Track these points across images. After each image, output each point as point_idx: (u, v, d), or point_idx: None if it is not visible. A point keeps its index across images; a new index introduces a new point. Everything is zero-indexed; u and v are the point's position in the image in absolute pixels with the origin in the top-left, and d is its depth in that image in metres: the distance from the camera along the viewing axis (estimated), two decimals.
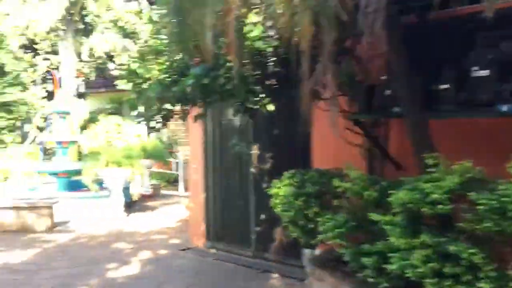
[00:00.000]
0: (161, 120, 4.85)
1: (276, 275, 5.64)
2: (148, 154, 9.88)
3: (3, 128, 13.46)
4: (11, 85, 13.34)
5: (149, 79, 4.57)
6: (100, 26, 16.15)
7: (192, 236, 7.22)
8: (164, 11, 3.99)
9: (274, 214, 6.18)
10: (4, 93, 12.94)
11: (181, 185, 13.10)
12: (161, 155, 10.20)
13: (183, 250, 6.93)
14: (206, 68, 4.04)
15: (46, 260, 6.46)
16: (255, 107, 4.35)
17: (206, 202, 6.95)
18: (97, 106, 17.60)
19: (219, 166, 6.79)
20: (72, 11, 15.24)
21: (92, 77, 16.86)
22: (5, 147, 13.53)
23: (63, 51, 15.69)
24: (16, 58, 14.31)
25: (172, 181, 14.19)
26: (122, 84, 14.00)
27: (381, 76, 3.47)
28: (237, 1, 2.99)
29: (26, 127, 15.33)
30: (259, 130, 6.23)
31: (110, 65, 19.56)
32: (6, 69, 13.18)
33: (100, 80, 17.70)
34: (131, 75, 4.63)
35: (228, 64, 3.95)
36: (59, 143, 10.25)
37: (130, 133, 16.70)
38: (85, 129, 15.31)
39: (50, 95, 16.42)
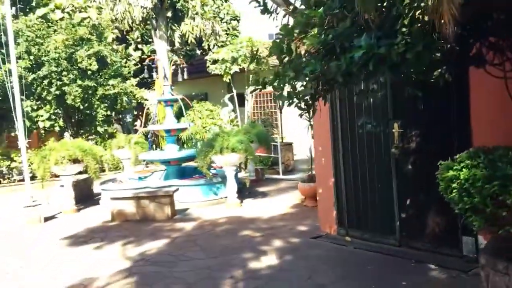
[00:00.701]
0: (310, 101, 4.40)
1: (433, 266, 5.08)
2: (254, 138, 9.56)
3: (107, 119, 13.85)
4: (112, 77, 13.63)
5: (299, 55, 4.12)
6: (190, 11, 16.08)
7: (322, 222, 6.82)
8: None
9: (421, 198, 5.70)
10: (107, 84, 13.23)
11: (280, 168, 12.82)
12: (266, 139, 9.85)
13: (315, 238, 6.54)
14: (376, 36, 3.52)
15: (180, 251, 6.34)
16: (430, 79, 3.77)
17: (337, 186, 6.50)
18: (190, 93, 17.78)
19: (351, 147, 6.29)
20: None
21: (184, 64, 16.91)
22: (111, 138, 13.95)
23: (156, 40, 15.82)
24: (112, 50, 14.61)
25: (270, 165, 13.94)
26: (215, 70, 13.83)
27: None
28: None
29: (128, 117, 15.78)
30: (400, 106, 5.64)
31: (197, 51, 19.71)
32: (108, 60, 13.43)
33: (189, 67, 17.76)
34: (280, 51, 4.20)
35: (404, 29, 3.42)
36: (168, 131, 10.24)
37: (223, 118, 16.74)
38: (181, 116, 15.49)
39: (146, 84, 16.74)
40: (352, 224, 6.37)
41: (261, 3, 4.49)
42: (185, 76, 10.62)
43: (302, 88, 4.35)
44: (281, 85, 4.46)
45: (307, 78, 4.04)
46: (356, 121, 6.20)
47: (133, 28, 16.70)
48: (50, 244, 7.24)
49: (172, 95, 10.40)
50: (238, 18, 21.74)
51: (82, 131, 14.29)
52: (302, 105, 4.52)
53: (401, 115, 5.65)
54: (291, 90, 4.40)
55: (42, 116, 13.26)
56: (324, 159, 6.67)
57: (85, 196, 10.58)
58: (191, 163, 11.16)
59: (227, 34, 20.02)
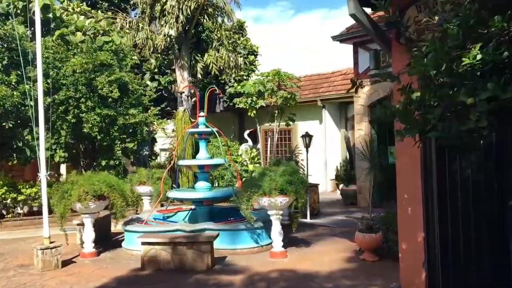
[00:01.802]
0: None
1: None
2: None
3: (125, 151, 12.78)
4: (132, 105, 12.67)
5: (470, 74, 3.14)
6: (215, 42, 15.32)
7: (405, 284, 5.74)
8: None
9: None
10: (128, 114, 12.25)
11: (308, 211, 11.78)
12: (303, 181, 8.78)
13: None
14: None
15: None
16: None
17: (428, 242, 5.47)
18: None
19: (449, 195, 5.29)
20: (187, 27, 14.53)
21: (221, 94, 15.93)
22: (130, 172, 12.88)
23: (178, 69, 14.99)
24: (133, 77, 13.71)
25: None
26: (239, 104, 12.90)
27: None
28: None
29: (145, 150, 14.73)
30: None
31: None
32: (130, 87, 12.49)
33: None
34: (421, 66, 3.25)
35: None
36: (201, 167, 9.21)
37: (243, 154, 15.75)
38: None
39: (164, 115, 15.78)
40: None
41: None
42: (221, 107, 9.66)
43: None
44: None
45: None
46: (458, 161, 5.22)
47: (153, 56, 15.93)
48: None
49: (207, 127, 9.42)
50: (255, 53, 21.14)
51: (95, 164, 13.18)
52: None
53: None
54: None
55: (53, 146, 12.20)
56: (410, 209, 5.66)
57: (102, 236, 9.40)
58: (221, 204, 10.14)
59: (245, 68, 19.35)
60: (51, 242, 7.70)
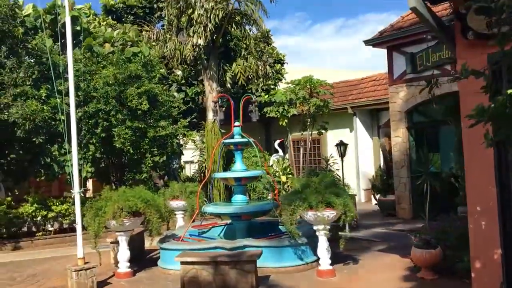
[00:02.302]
0: None
1: None
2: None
3: (155, 165, 12.44)
4: (162, 117, 12.33)
5: None
6: (243, 51, 14.93)
7: None
8: None
9: None
10: (158, 126, 11.90)
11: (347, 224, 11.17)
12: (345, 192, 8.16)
13: None
14: None
15: None
16: None
17: (508, 261, 4.86)
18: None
19: None
20: (215, 36, 14.18)
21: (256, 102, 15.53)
22: (160, 186, 12.51)
23: (206, 80, 14.63)
24: (162, 88, 13.41)
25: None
26: (270, 113, 12.42)
27: None
28: None
29: (175, 163, 14.38)
30: None
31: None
32: (160, 99, 12.17)
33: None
34: None
35: None
36: (238, 179, 8.73)
37: (274, 165, 15.23)
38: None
39: (193, 127, 15.41)
40: None
41: None
42: (257, 117, 9.20)
43: None
44: None
45: None
46: None
47: (179, 68, 15.62)
48: None
49: (243, 137, 8.96)
50: (282, 61, 20.71)
51: (125, 178, 12.87)
52: None
53: None
54: None
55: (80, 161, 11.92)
56: (484, 222, 5.06)
57: (137, 253, 8.99)
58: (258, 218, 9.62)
59: (272, 77, 18.92)
60: (85, 263, 7.30)
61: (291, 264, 7.70)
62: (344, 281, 7.12)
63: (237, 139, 8.92)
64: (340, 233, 7.48)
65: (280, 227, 9.62)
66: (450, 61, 13.02)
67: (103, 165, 12.98)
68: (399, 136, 14.21)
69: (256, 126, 21.13)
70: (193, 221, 10.39)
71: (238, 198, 8.88)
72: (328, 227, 7.36)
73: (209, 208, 8.73)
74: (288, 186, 14.27)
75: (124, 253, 7.95)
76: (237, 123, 9.00)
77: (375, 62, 58.07)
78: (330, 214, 7.15)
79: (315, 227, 7.36)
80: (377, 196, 15.00)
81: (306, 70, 20.80)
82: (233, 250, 7.67)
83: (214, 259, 6.86)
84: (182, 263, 6.95)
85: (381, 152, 17.08)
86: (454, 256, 6.94)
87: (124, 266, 7.95)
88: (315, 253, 7.98)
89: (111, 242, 8.90)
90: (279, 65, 20.39)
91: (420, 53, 13.65)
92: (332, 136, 17.35)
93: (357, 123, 17.62)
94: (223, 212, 8.59)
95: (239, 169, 8.86)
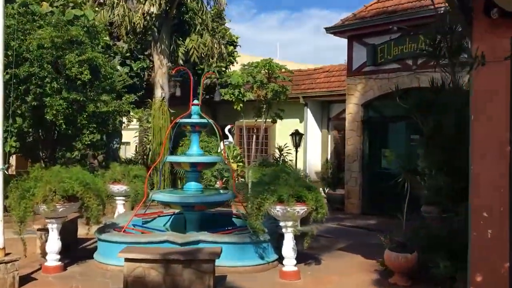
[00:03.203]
0: None
1: None
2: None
3: (94, 144, 11.07)
4: (105, 91, 10.96)
5: None
6: (199, 26, 13.78)
7: None
8: None
9: None
10: (99, 100, 10.54)
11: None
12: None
13: None
14: None
15: None
16: None
17: None
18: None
19: None
20: (169, 6, 12.92)
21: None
22: (97, 167, 11.19)
23: (156, 54, 13.35)
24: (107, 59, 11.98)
25: None
26: (224, 95, 11.45)
27: None
28: None
29: (115, 143, 13.02)
30: None
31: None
32: (102, 71, 10.78)
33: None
34: None
35: None
36: (194, 165, 7.70)
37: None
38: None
39: (137, 104, 14.07)
40: None
41: None
42: (218, 97, 8.20)
43: None
44: None
45: None
46: None
47: (127, 39, 14.15)
48: None
49: (201, 117, 7.95)
50: (235, 43, 19.68)
51: (56, 156, 11.40)
52: None
53: None
54: None
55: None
56: (491, 231, 4.44)
57: (68, 242, 7.65)
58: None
59: (225, 59, 17.85)
60: (6, 254, 6.03)
61: (251, 263, 6.84)
62: (309, 285, 6.37)
63: (196, 119, 7.88)
64: (302, 228, 6.67)
65: (234, 220, 8.75)
66: (414, 55, 12.80)
67: (31, 139, 11.43)
68: (353, 130, 13.74)
69: (202, 109, 20.03)
70: (141, 210, 9.30)
71: (192, 185, 7.86)
72: (297, 223, 6.56)
73: (159, 196, 7.64)
74: (238, 175, 13.41)
75: (54, 243, 6.72)
76: (196, 101, 7.96)
77: (320, 55, 58.42)
78: (300, 209, 6.35)
79: (282, 223, 6.54)
80: (326, 190, 14.51)
81: (254, 59, 19.94)
82: (186, 246, 6.70)
83: (165, 256, 5.84)
84: (127, 260, 5.87)
85: (332, 145, 16.62)
86: (427, 260, 6.41)
87: (53, 259, 6.73)
88: (275, 251, 7.21)
89: (39, 229, 7.61)
90: (232, 47, 19.34)
91: (382, 45, 13.37)
92: (280, 126, 16.61)
93: (308, 114, 17.00)
94: (174, 201, 7.51)
95: (195, 153, 7.83)
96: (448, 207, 8.19)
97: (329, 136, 17.25)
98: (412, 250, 6.33)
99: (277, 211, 6.36)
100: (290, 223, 6.48)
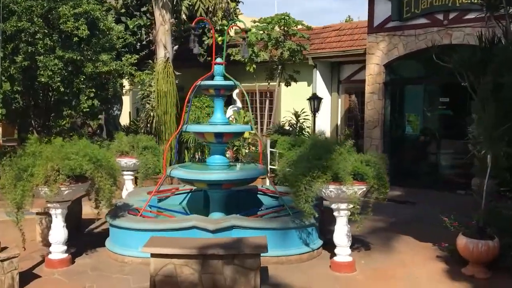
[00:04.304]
0: None
1: None
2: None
3: (92, 110, 9.76)
4: (103, 50, 9.60)
5: None
6: None
7: None
8: None
9: None
10: (98, 60, 9.18)
11: None
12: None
13: None
14: None
15: None
16: None
17: None
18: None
19: None
20: None
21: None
22: (97, 137, 9.93)
23: (157, 8, 11.89)
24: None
25: None
26: (234, 56, 10.08)
27: None
28: None
29: (115, 109, 11.70)
30: None
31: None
32: (101, 27, 9.38)
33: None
34: None
35: None
36: (219, 135, 6.49)
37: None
38: None
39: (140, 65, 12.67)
40: None
41: None
42: (247, 53, 6.93)
43: None
44: None
45: None
46: None
47: None
48: None
49: (227, 79, 6.69)
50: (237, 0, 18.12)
51: (50, 125, 10.10)
52: None
53: None
54: None
55: None
56: None
57: (72, 226, 6.47)
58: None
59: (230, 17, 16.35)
60: (1, 249, 4.88)
61: (295, 252, 5.77)
62: (369, 279, 5.33)
63: (220, 81, 6.62)
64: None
65: (260, 197, 7.65)
66: (445, 9, 11.55)
67: (20, 105, 10.10)
68: (374, 93, 12.58)
69: (201, 72, 18.59)
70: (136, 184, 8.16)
71: (217, 159, 6.69)
72: (352, 206, 5.46)
73: (179, 172, 6.43)
74: (249, 144, 12.25)
75: (59, 232, 5.58)
76: (219, 60, 6.68)
77: (312, 17, 56.39)
78: (358, 189, 5.25)
79: (333, 206, 5.45)
80: None
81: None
82: (218, 234, 5.60)
83: (202, 251, 4.73)
84: (154, 255, 4.75)
85: (343, 110, 15.48)
86: (508, 247, 5.44)
87: (58, 251, 5.60)
88: (320, 237, 6.17)
89: (38, 213, 6.45)
90: (234, 3, 17.79)
91: None
92: (286, 90, 15.29)
93: (317, 76, 15.71)
94: (197, 179, 6.32)
95: (220, 121, 6.61)
96: (506, 180, 7.22)
97: (339, 100, 16.09)
98: (492, 237, 5.31)
99: (330, 191, 5.25)
100: (344, 205, 5.39)
